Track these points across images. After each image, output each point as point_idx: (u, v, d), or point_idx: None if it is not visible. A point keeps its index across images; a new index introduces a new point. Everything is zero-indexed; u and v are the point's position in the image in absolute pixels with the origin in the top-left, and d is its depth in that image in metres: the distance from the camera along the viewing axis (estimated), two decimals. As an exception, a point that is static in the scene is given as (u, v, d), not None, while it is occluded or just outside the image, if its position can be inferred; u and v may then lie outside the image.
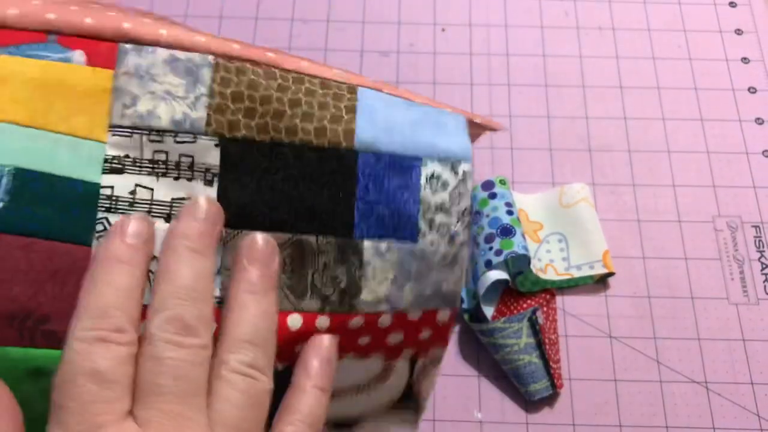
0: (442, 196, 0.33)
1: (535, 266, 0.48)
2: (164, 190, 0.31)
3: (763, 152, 0.54)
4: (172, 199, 0.31)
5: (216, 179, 0.31)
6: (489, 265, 0.46)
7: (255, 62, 0.32)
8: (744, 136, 0.55)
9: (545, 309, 0.47)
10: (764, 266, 0.50)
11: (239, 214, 0.31)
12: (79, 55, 0.31)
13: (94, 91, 0.31)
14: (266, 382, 0.27)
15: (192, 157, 0.31)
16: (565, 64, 0.58)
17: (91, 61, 0.31)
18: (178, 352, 0.25)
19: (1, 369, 0.28)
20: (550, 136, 0.55)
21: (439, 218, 0.33)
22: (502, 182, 0.50)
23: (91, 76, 0.31)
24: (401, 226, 0.32)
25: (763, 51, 0.59)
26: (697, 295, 0.49)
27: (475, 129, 0.35)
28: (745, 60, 0.58)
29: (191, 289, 0.26)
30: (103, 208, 0.30)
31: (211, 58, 0.32)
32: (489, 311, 0.48)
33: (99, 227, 0.30)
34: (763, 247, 0.51)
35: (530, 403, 0.46)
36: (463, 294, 0.48)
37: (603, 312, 0.49)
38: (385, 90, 0.34)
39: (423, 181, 0.33)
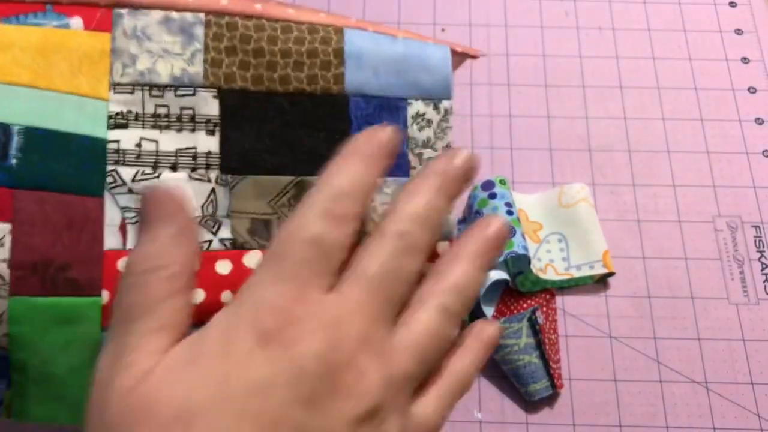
0: (427, 133, 0.36)
1: (535, 266, 0.48)
2: (168, 141, 0.33)
3: (763, 152, 0.54)
4: (177, 149, 0.33)
5: (217, 128, 0.33)
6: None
7: (244, 15, 0.34)
8: (744, 136, 0.55)
9: (545, 309, 0.47)
10: (764, 266, 0.50)
11: (242, 160, 0.33)
12: (76, 21, 0.33)
13: (93, 53, 0.32)
14: (454, 334, 0.27)
15: (192, 109, 0.33)
16: (565, 64, 0.58)
17: (89, 26, 0.33)
18: (399, 261, 0.25)
19: (28, 318, 0.30)
20: (550, 136, 0.55)
21: (426, 153, 0.36)
22: (502, 182, 0.50)
23: (89, 39, 0.32)
24: (394, 162, 0.35)
25: (763, 51, 0.59)
26: (697, 295, 0.49)
27: (457, 57, 0.38)
28: (745, 60, 0.58)
29: (425, 217, 0.27)
30: (112, 161, 0.32)
31: (202, 15, 0.34)
32: (489, 311, 0.48)
33: (109, 179, 0.32)
34: (763, 247, 0.51)
35: (530, 403, 0.46)
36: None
37: (603, 312, 0.49)
38: (369, 28, 0.36)
39: (409, 120, 0.35)
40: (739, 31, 0.60)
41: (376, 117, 0.35)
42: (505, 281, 0.47)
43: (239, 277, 0.32)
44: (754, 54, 0.58)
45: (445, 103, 0.37)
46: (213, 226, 0.33)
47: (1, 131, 0.30)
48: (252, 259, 0.33)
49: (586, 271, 0.49)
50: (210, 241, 0.32)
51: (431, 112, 0.36)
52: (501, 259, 0.46)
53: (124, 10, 0.33)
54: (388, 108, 0.36)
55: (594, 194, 0.52)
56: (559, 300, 0.49)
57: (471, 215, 0.50)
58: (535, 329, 0.46)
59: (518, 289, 0.48)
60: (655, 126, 0.55)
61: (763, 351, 0.47)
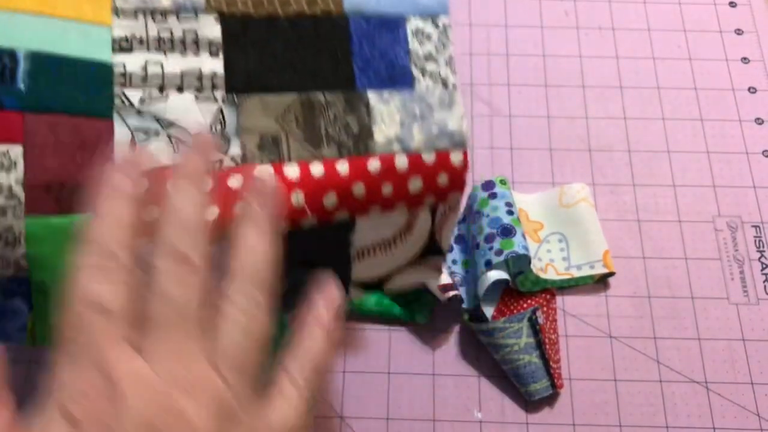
0: (428, 47, 0.37)
1: (536, 266, 0.48)
2: (173, 63, 0.33)
3: (763, 152, 0.54)
4: (182, 71, 0.33)
5: (220, 51, 0.34)
6: (489, 265, 0.46)
7: None
8: (744, 136, 0.55)
9: (545, 309, 0.47)
10: (764, 266, 0.50)
11: (247, 80, 0.34)
12: None
13: None
14: (266, 320, 0.26)
15: (195, 32, 0.34)
16: (565, 64, 0.58)
17: None
18: (178, 284, 0.24)
19: (45, 238, 0.30)
20: (550, 136, 0.55)
21: (429, 66, 0.37)
22: (503, 182, 0.50)
23: None
24: (397, 75, 0.36)
25: (763, 51, 0.59)
26: (697, 295, 0.49)
27: None
28: (745, 60, 0.58)
29: (187, 221, 0.26)
30: (119, 84, 0.32)
31: None
32: (489, 311, 0.48)
33: (117, 101, 0.32)
34: (763, 247, 0.51)
35: (530, 403, 0.46)
36: (463, 293, 0.48)
37: (603, 312, 0.49)
38: None
39: (410, 36, 0.36)
40: (739, 31, 0.60)
41: (376, 34, 0.36)
42: (505, 281, 0.47)
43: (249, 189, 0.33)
44: (754, 54, 0.58)
45: (443, 18, 0.38)
46: (223, 144, 0.33)
47: (8, 57, 0.31)
48: (263, 173, 0.33)
49: (586, 271, 0.49)
50: (221, 160, 0.33)
51: (430, 27, 0.37)
52: (501, 259, 0.46)
53: None
54: (387, 26, 0.36)
55: (594, 194, 0.52)
56: (559, 300, 0.49)
57: (471, 215, 0.50)
58: (536, 329, 0.46)
59: (518, 289, 0.48)
60: (655, 126, 0.55)
61: (763, 351, 0.47)
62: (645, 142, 0.55)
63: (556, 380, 0.45)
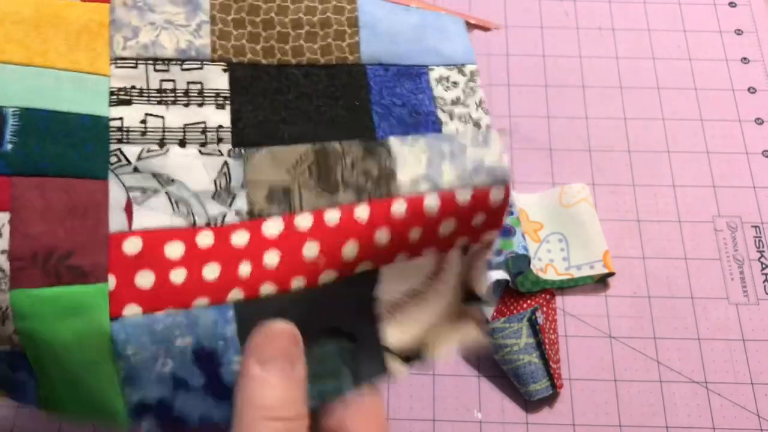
0: (455, 93, 0.34)
1: (536, 266, 0.48)
2: (175, 117, 0.31)
3: (763, 152, 0.54)
4: (185, 124, 0.31)
5: (227, 103, 0.31)
6: (489, 265, 0.46)
7: None
8: (744, 136, 0.55)
9: (545, 309, 0.47)
10: (764, 266, 0.50)
11: (257, 133, 0.31)
12: None
13: (91, 25, 0.31)
14: None
15: (201, 83, 0.31)
16: (565, 64, 0.58)
17: None
18: None
19: (34, 312, 0.28)
20: (550, 136, 0.55)
21: (458, 110, 0.34)
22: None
23: (86, 10, 0.31)
24: (422, 121, 0.33)
25: (763, 51, 0.59)
26: (697, 295, 0.49)
27: (470, 29, 0.37)
28: (745, 60, 0.58)
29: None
30: (115, 140, 0.30)
31: None
32: (489, 311, 0.48)
33: (113, 159, 0.30)
34: (763, 247, 0.51)
35: (530, 403, 0.46)
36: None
37: (603, 312, 0.49)
38: None
39: (433, 83, 0.34)
40: (739, 31, 0.60)
41: (396, 84, 0.33)
42: (505, 281, 0.47)
43: (258, 247, 0.30)
44: (754, 54, 0.58)
45: (469, 67, 0.35)
46: (227, 199, 0.30)
47: None
48: (271, 227, 0.30)
49: (586, 271, 0.49)
50: (224, 214, 0.30)
51: (456, 75, 0.34)
52: (501, 259, 0.46)
53: None
54: (408, 75, 0.34)
55: (594, 194, 0.52)
56: (559, 300, 0.49)
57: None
58: (535, 329, 0.46)
59: (518, 289, 0.48)
60: (655, 126, 0.55)
61: (763, 351, 0.47)
62: (645, 142, 0.55)
63: (556, 380, 0.45)
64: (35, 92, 0.29)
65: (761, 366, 0.47)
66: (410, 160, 0.31)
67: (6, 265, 0.28)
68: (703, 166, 0.54)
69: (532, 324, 0.46)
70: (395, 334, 0.32)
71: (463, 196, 0.31)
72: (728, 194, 0.53)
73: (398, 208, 0.30)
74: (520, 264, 0.48)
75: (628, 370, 0.47)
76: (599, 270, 0.49)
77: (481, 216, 0.32)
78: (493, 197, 0.31)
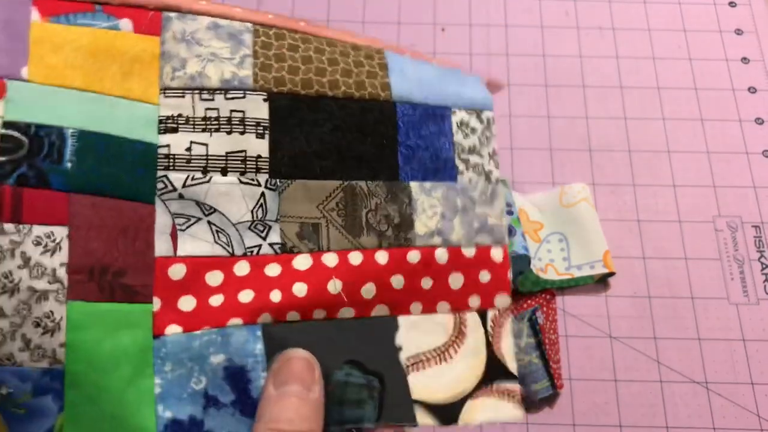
0: (473, 140, 0.36)
1: (536, 266, 0.48)
2: (218, 144, 0.32)
3: (763, 152, 0.54)
4: (227, 152, 0.32)
5: (266, 132, 0.33)
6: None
7: (290, 29, 0.35)
8: (744, 136, 0.55)
9: (545, 309, 0.47)
10: (764, 266, 0.50)
11: (291, 164, 0.33)
12: (126, 23, 0.32)
13: (143, 56, 0.32)
14: None
15: (243, 112, 0.33)
16: (565, 64, 0.58)
17: (138, 29, 0.32)
18: None
19: (87, 324, 0.29)
20: (550, 136, 0.55)
21: (473, 159, 0.36)
22: (503, 182, 0.50)
23: (139, 42, 0.32)
24: (441, 167, 0.35)
25: (763, 51, 0.59)
26: (697, 295, 0.49)
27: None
28: (745, 60, 0.58)
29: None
30: (162, 167, 0.31)
31: (250, 25, 0.34)
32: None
33: (159, 185, 0.31)
34: (763, 247, 0.51)
35: (530, 403, 0.46)
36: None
37: (603, 312, 0.49)
38: (406, 53, 0.37)
39: (455, 127, 0.36)
40: (739, 31, 0.60)
41: (422, 124, 0.35)
42: (505, 281, 0.47)
43: (288, 279, 0.32)
44: (754, 54, 0.58)
45: (487, 113, 0.37)
46: (263, 231, 0.32)
47: (56, 134, 0.30)
48: (301, 262, 0.32)
49: (586, 271, 0.49)
50: (260, 246, 0.32)
51: (474, 121, 0.37)
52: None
53: (173, 14, 0.33)
54: (433, 116, 0.36)
55: (594, 194, 0.52)
56: (559, 300, 0.49)
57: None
58: (536, 329, 0.46)
59: (518, 289, 0.48)
60: (655, 126, 0.55)
61: (763, 351, 0.47)
62: (645, 142, 0.55)
63: (556, 380, 0.45)
64: (92, 116, 0.31)
65: (761, 366, 0.47)
66: (427, 210, 0.34)
67: (65, 278, 0.29)
68: (703, 166, 0.54)
69: (533, 324, 0.46)
70: (423, 388, 0.34)
71: (468, 252, 0.35)
72: (728, 194, 0.53)
73: (413, 257, 0.34)
74: (520, 264, 0.48)
75: (628, 370, 0.47)
76: (599, 270, 0.49)
77: (486, 273, 0.35)
78: (494, 255, 0.35)
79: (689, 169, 0.54)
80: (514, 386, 0.36)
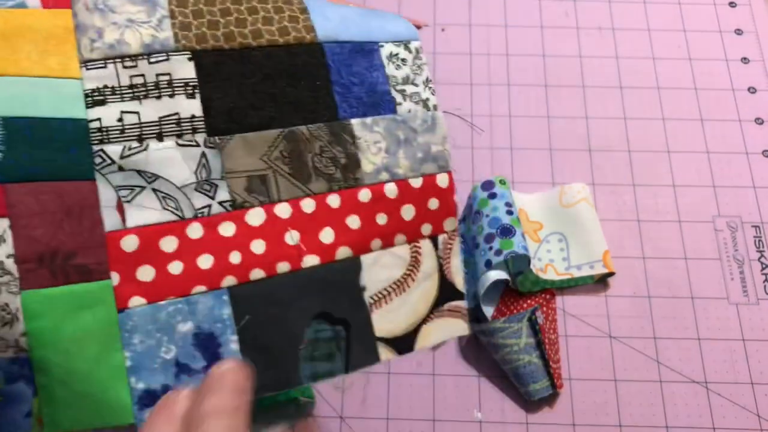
0: (405, 71, 0.37)
1: (535, 266, 0.48)
2: (150, 110, 0.32)
3: (763, 152, 0.54)
4: (160, 117, 0.32)
5: (196, 91, 0.33)
6: (489, 265, 0.46)
7: None
8: (744, 136, 0.55)
9: (545, 309, 0.47)
10: (764, 266, 0.50)
11: (228, 119, 0.33)
12: (33, 0, 0.32)
13: (57, 31, 0.31)
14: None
15: (169, 74, 0.32)
16: (565, 64, 0.58)
17: (46, 3, 0.32)
18: None
19: (45, 311, 0.29)
20: (550, 136, 0.55)
21: (409, 89, 0.36)
22: (502, 182, 0.50)
23: (50, 17, 0.32)
24: (378, 101, 0.35)
25: (763, 51, 0.59)
26: (697, 295, 0.49)
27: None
28: (745, 60, 0.58)
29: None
30: (96, 141, 0.31)
31: None
32: (489, 311, 0.48)
33: (97, 160, 0.31)
34: (763, 247, 0.51)
35: (530, 403, 0.46)
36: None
37: (603, 312, 0.49)
38: None
39: (385, 60, 0.36)
40: (739, 31, 0.60)
41: (352, 61, 0.36)
42: (505, 281, 0.47)
43: (245, 237, 0.32)
44: (754, 54, 0.58)
45: (414, 44, 0.38)
46: (209, 190, 0.32)
47: None
48: (254, 217, 0.32)
49: (586, 271, 0.49)
50: (209, 206, 0.32)
51: (404, 52, 0.37)
52: (501, 258, 0.46)
53: None
54: (362, 51, 0.36)
55: (594, 194, 0.52)
56: (559, 300, 0.49)
57: (471, 215, 0.50)
58: (535, 329, 0.46)
59: (518, 289, 0.48)
60: (655, 126, 0.55)
61: (763, 351, 0.47)
62: (645, 142, 0.55)
63: (556, 380, 0.45)
64: (15, 101, 0.30)
65: (761, 366, 0.47)
66: (371, 147, 0.35)
67: (14, 268, 0.29)
68: (703, 166, 0.54)
69: (532, 324, 0.46)
70: (384, 324, 0.35)
71: (415, 183, 0.35)
72: (728, 194, 0.53)
73: (364, 195, 0.34)
74: (520, 264, 0.48)
75: (628, 370, 0.47)
76: (599, 270, 0.49)
77: (434, 201, 0.36)
78: (439, 182, 0.36)
79: (689, 169, 0.54)
80: (461, 304, 0.37)
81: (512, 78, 0.57)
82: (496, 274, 0.46)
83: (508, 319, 0.46)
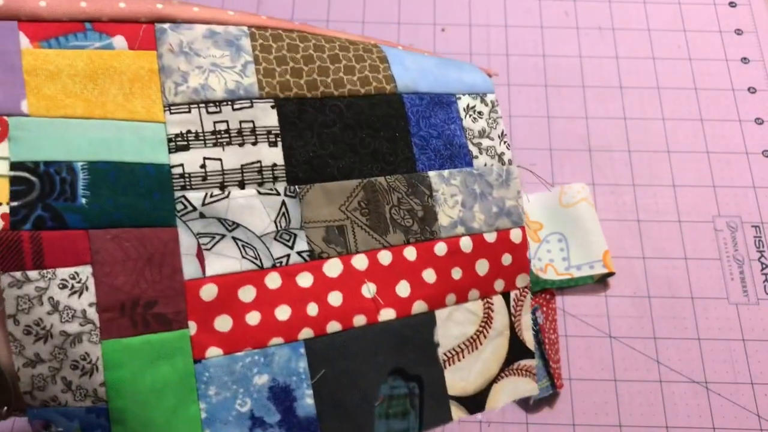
0: (481, 124, 0.37)
1: (535, 266, 0.48)
2: (232, 157, 0.31)
3: (763, 152, 0.54)
4: (242, 165, 0.32)
5: (279, 139, 0.32)
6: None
7: (285, 29, 0.34)
8: (744, 136, 0.55)
9: (545, 309, 0.47)
10: (764, 266, 0.50)
11: (308, 168, 0.33)
12: (119, 40, 0.31)
13: (142, 73, 0.31)
14: None
15: (252, 121, 0.32)
16: (565, 64, 0.58)
17: (133, 45, 0.31)
18: None
19: (124, 361, 0.28)
20: (550, 136, 0.55)
21: (485, 142, 0.37)
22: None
23: (136, 59, 0.31)
24: (456, 153, 0.36)
25: (763, 51, 0.59)
26: (697, 295, 0.49)
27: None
28: (745, 60, 0.58)
29: None
30: (179, 187, 0.30)
31: (246, 28, 0.33)
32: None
33: (179, 206, 0.30)
34: (763, 247, 0.51)
35: (530, 403, 0.46)
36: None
37: (603, 312, 0.49)
38: (398, 46, 0.37)
39: (462, 113, 0.37)
40: (739, 31, 0.60)
41: (431, 112, 0.35)
42: (505, 281, 0.47)
43: (322, 288, 0.32)
44: (754, 54, 0.58)
45: (490, 96, 0.38)
46: (289, 240, 0.32)
47: (66, 170, 0.28)
48: (331, 268, 0.32)
49: (586, 271, 0.49)
50: (288, 255, 0.31)
51: (480, 105, 0.37)
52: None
53: (166, 25, 0.32)
54: (440, 103, 0.36)
55: (594, 194, 0.52)
56: (559, 300, 0.49)
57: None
58: (535, 329, 0.45)
59: (518, 289, 0.48)
60: (655, 126, 0.55)
61: (763, 351, 0.47)
62: (645, 142, 0.55)
63: (556, 380, 0.45)
64: (100, 145, 0.29)
65: (761, 366, 0.47)
66: (448, 200, 0.35)
67: (95, 317, 0.28)
68: (703, 166, 0.54)
69: (532, 324, 0.46)
70: (457, 381, 0.35)
71: (490, 237, 0.36)
72: (728, 194, 0.53)
73: (440, 249, 0.34)
74: (520, 264, 0.48)
75: (628, 370, 0.47)
76: (599, 270, 0.49)
77: (507, 256, 0.36)
78: (513, 237, 0.37)
79: (689, 169, 0.54)
80: (531, 363, 0.37)
81: (512, 78, 0.57)
82: (496, 274, 0.46)
83: (508, 319, 0.46)
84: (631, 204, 0.52)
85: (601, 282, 0.50)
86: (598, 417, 0.46)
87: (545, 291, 0.48)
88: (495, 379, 0.36)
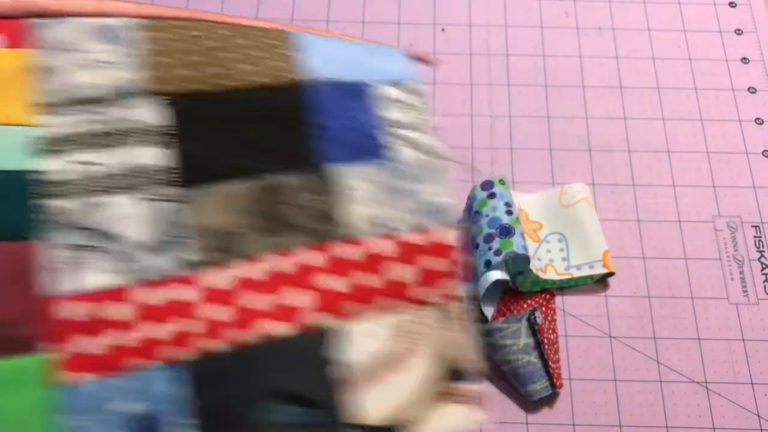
0: (403, 114, 0.32)
1: (535, 266, 0.48)
2: (114, 161, 0.28)
3: (763, 152, 0.54)
4: (122, 170, 0.28)
5: (171, 140, 0.29)
6: (488, 265, 0.46)
7: (182, 19, 0.30)
8: (744, 136, 0.55)
9: (545, 309, 0.47)
10: (764, 266, 0.50)
11: (198, 172, 0.29)
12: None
13: (15, 73, 0.28)
14: None
15: (139, 121, 0.28)
16: (565, 64, 0.58)
17: (14, 43, 0.28)
18: None
19: None
20: (550, 136, 0.55)
21: (403, 133, 0.32)
22: (502, 182, 0.50)
23: (13, 58, 0.28)
24: (367, 146, 0.31)
25: (763, 51, 0.59)
26: (697, 295, 0.49)
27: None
28: (745, 60, 0.58)
29: None
30: (44, 195, 0.27)
31: (133, 21, 0.29)
32: (489, 311, 0.48)
33: (41, 217, 0.27)
34: (763, 247, 0.51)
35: (530, 403, 0.46)
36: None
37: (603, 312, 0.49)
38: (315, 32, 0.33)
39: (378, 102, 0.32)
40: (739, 31, 0.60)
41: (341, 103, 0.32)
42: (505, 281, 0.47)
43: (209, 302, 0.27)
44: (754, 54, 0.58)
45: (414, 85, 0.33)
46: (173, 249, 0.28)
47: None
48: (221, 279, 0.28)
49: (586, 271, 0.49)
50: (172, 267, 0.27)
51: (400, 93, 0.33)
52: (500, 259, 0.46)
53: (44, 20, 0.28)
54: (353, 93, 0.32)
55: (594, 194, 0.52)
56: (559, 300, 0.49)
57: (471, 215, 0.50)
58: (534, 329, 0.46)
59: (518, 289, 0.48)
60: (655, 126, 0.55)
61: (763, 351, 0.47)
62: (645, 142, 0.55)
63: (555, 380, 0.45)
64: None
65: (761, 366, 0.47)
66: (360, 197, 0.30)
67: None
68: (703, 166, 0.54)
69: (531, 324, 0.46)
70: (370, 408, 0.29)
71: (415, 240, 0.30)
72: (728, 194, 0.53)
73: (352, 253, 0.29)
74: (519, 264, 0.48)
75: (628, 370, 0.47)
76: (599, 270, 0.49)
77: (437, 260, 0.30)
78: (442, 240, 0.30)
79: (689, 169, 0.54)
80: (471, 388, 0.31)
81: (512, 78, 0.57)
82: (496, 274, 0.46)
83: (507, 319, 0.46)
84: (631, 204, 0.52)
85: (601, 282, 0.50)
86: (598, 417, 0.46)
87: (545, 291, 0.48)
88: (421, 406, 0.30)
